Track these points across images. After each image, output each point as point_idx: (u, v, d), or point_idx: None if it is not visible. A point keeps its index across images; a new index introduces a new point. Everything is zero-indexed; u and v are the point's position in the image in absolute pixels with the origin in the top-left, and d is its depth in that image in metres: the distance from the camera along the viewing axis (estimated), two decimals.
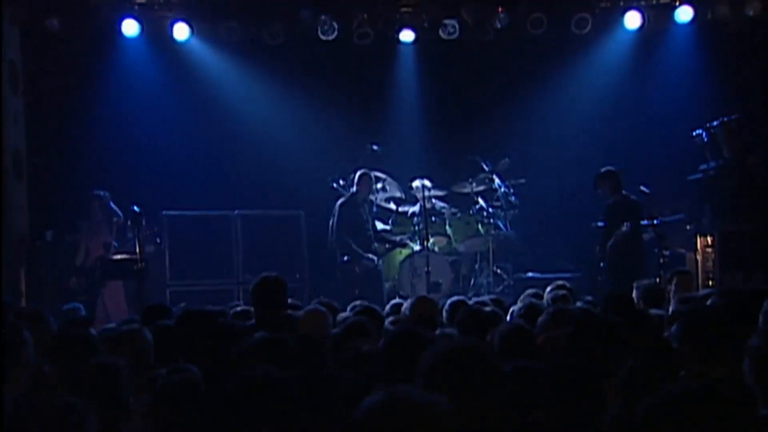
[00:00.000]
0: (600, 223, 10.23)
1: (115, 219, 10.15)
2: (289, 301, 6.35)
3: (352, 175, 11.00)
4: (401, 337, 3.77)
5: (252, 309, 5.94)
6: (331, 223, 10.57)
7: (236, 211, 11.14)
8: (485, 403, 2.72)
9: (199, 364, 4.08)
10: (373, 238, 10.58)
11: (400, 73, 12.47)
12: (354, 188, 10.57)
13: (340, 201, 10.59)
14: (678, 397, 2.48)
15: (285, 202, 11.50)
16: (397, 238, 11.15)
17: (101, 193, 10.32)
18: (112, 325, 6.10)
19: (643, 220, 9.65)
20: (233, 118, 12.06)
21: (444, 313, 5.95)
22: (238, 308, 6.46)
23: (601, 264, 9.79)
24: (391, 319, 5.98)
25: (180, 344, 4.73)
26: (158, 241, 10.37)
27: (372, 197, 10.83)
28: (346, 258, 10.44)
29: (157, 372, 4.15)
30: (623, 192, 9.90)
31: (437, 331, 5.00)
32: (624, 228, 9.47)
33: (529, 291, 6.93)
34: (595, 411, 3.26)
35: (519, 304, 5.96)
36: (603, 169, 9.92)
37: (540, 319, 5.02)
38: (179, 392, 3.78)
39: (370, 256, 10.42)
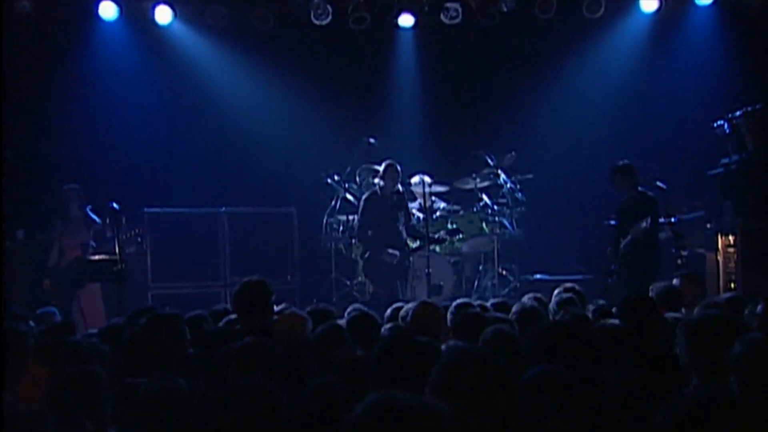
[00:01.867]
0: (612, 222, 10.20)
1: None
2: (281, 305, 6.34)
3: (348, 169, 11.13)
4: (393, 344, 3.80)
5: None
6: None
7: (223, 208, 11.14)
8: (497, 415, 2.75)
9: (176, 373, 4.11)
10: (401, 232, 10.45)
11: (399, 60, 12.45)
12: (380, 181, 10.49)
13: (364, 195, 10.63)
14: (695, 406, 2.56)
15: (275, 199, 11.49)
16: None
17: (75, 186, 10.26)
18: (94, 331, 6.10)
19: (660, 218, 9.60)
20: (219, 109, 12.04)
21: (449, 315, 5.89)
22: (231, 316, 6.37)
23: (612, 266, 9.73)
24: (389, 325, 5.92)
25: (153, 351, 4.78)
26: (139, 240, 10.32)
27: (399, 187, 10.62)
28: (367, 254, 10.44)
29: (133, 381, 4.17)
30: (639, 188, 9.86)
31: (443, 343, 4.98)
32: (644, 224, 9.36)
33: (530, 295, 6.85)
34: (609, 419, 3.30)
35: (514, 308, 5.91)
36: (621, 163, 9.84)
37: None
38: (161, 402, 3.80)
39: (391, 251, 10.31)
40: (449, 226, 11.29)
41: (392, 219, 10.40)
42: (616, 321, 5.10)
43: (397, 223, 10.43)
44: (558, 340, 3.76)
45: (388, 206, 10.42)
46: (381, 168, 10.49)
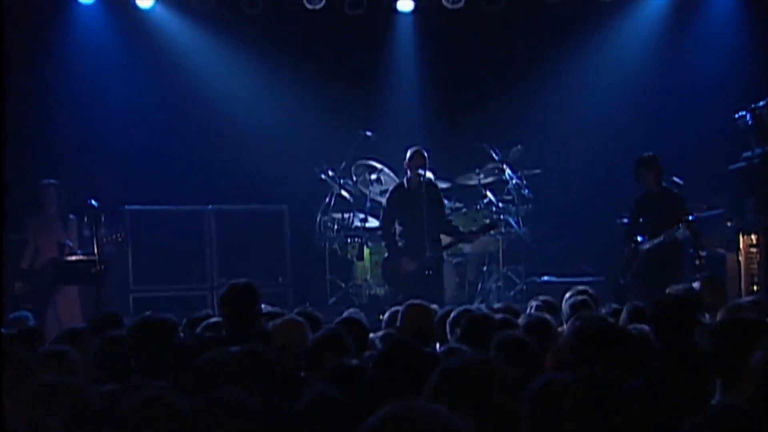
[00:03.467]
0: (626, 219, 10.10)
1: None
2: (271, 309, 6.33)
3: (343, 164, 11.05)
4: (390, 353, 3.84)
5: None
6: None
7: (209, 206, 11.10)
8: (502, 425, 2.74)
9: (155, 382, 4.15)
10: (430, 230, 9.87)
11: (398, 48, 12.41)
12: (407, 172, 10.10)
13: (390, 188, 10.40)
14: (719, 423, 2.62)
15: (265, 196, 11.45)
16: None
17: (53, 182, 10.17)
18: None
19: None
20: (205, 99, 11.98)
21: (447, 325, 5.82)
22: (211, 320, 6.31)
23: (630, 266, 9.64)
24: (381, 333, 5.94)
25: (133, 359, 4.77)
26: (119, 240, 10.22)
27: (430, 176, 10.24)
28: (386, 255, 10.24)
29: (108, 389, 4.17)
30: (664, 184, 9.77)
31: (440, 346, 5.03)
32: (680, 231, 9.26)
33: (541, 297, 6.82)
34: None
35: (521, 320, 5.80)
36: (646, 155, 9.77)
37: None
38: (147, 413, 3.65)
39: (408, 260, 9.90)
40: (484, 220, 10.98)
41: (418, 215, 9.85)
42: (645, 326, 5.12)
43: (423, 220, 9.84)
44: (589, 345, 3.83)
45: (415, 200, 9.89)
46: (407, 156, 10.07)
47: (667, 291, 6.71)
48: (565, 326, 5.81)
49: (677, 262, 9.55)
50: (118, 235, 10.11)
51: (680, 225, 9.30)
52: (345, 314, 6.41)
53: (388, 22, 12.21)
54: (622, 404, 3.41)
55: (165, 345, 4.81)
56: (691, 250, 9.40)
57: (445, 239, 10.32)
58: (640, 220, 9.85)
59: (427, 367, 3.52)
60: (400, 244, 10.05)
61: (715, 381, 3.79)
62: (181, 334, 5.65)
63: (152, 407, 3.25)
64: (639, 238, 9.73)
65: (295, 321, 5.39)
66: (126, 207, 10.68)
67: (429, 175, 10.26)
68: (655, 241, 9.49)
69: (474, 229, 10.47)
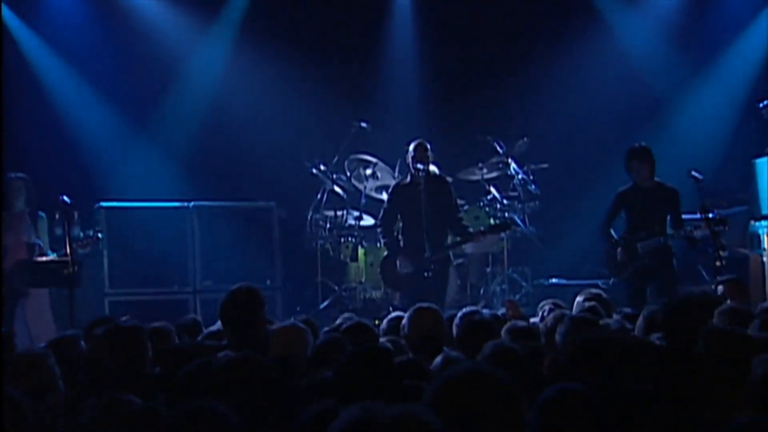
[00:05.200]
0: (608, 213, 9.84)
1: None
2: None
3: (336, 158, 11.02)
4: (358, 359, 3.94)
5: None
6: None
7: (191, 203, 11.01)
8: None
9: (136, 394, 4.13)
10: (434, 230, 9.67)
11: (395, 32, 12.47)
12: (409, 167, 9.93)
13: (392, 184, 10.33)
14: None
15: (252, 192, 11.48)
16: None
17: (23, 176, 10.05)
18: (43, 345, 5.90)
19: (696, 213, 9.40)
20: (186, 88, 11.98)
21: (454, 328, 5.89)
22: (212, 328, 6.38)
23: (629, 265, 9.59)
24: (385, 339, 5.91)
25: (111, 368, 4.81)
26: (94, 239, 10.01)
27: (436, 171, 10.13)
28: (385, 254, 10.13)
29: (87, 402, 4.10)
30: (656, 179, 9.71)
31: (440, 354, 5.00)
32: (698, 230, 9.23)
33: (548, 301, 6.85)
34: None
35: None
36: (638, 145, 9.67)
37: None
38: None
39: (404, 261, 9.76)
40: (490, 220, 10.95)
41: (417, 213, 9.68)
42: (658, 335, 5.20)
43: (422, 218, 9.64)
44: (594, 355, 3.87)
45: (415, 197, 9.70)
46: (410, 149, 9.92)
47: (683, 294, 7.04)
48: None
49: (671, 262, 9.53)
50: (93, 234, 9.95)
51: (696, 229, 9.26)
52: (340, 319, 6.43)
53: (384, 5, 12.35)
54: (633, 414, 3.39)
55: (140, 354, 4.84)
56: (710, 251, 9.28)
57: (453, 240, 10.17)
58: (622, 214, 9.72)
59: (396, 379, 3.77)
60: (401, 243, 9.98)
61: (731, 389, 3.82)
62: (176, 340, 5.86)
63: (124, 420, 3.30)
64: (614, 234, 9.65)
65: (296, 327, 5.40)
66: (101, 203, 10.62)
67: (434, 169, 10.13)
68: (652, 241, 9.41)
69: (483, 228, 10.27)
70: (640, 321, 5.94)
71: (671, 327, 5.10)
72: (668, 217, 9.46)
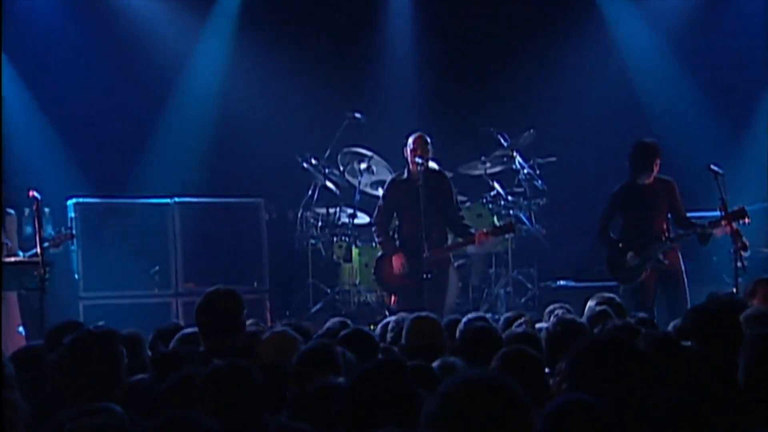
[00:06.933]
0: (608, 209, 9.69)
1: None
2: (248, 321, 6.27)
3: (329, 152, 11.05)
4: (371, 373, 3.84)
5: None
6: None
7: (173, 199, 10.94)
8: None
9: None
10: (433, 228, 9.64)
11: (391, 19, 12.53)
12: (408, 159, 9.88)
13: (388, 179, 10.31)
14: None
15: (239, 187, 11.43)
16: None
17: None
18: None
19: (715, 210, 9.26)
20: (168, 79, 11.99)
21: (458, 334, 5.92)
22: (186, 331, 6.32)
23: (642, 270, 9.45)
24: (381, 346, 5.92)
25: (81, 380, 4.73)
26: (67, 238, 9.92)
27: (435, 166, 10.08)
28: (379, 254, 10.12)
29: (60, 414, 4.01)
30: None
31: (437, 360, 5.01)
32: (718, 228, 9.12)
33: (556, 305, 6.89)
34: None
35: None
36: (652, 141, 9.52)
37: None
38: None
39: (396, 260, 9.78)
40: (495, 220, 10.90)
41: (415, 211, 9.63)
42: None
43: (420, 216, 9.60)
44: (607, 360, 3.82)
45: (412, 193, 9.65)
46: (409, 141, 9.86)
47: (713, 298, 6.72)
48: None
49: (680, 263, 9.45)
50: (66, 231, 9.85)
51: (720, 222, 9.07)
52: (329, 323, 6.43)
53: None
54: (655, 427, 3.41)
55: (115, 363, 4.78)
56: (730, 251, 9.11)
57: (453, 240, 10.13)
58: (618, 216, 9.59)
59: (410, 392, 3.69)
60: (397, 242, 9.93)
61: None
62: (148, 352, 5.85)
63: None
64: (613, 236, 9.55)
65: (287, 335, 5.41)
66: (75, 200, 10.52)
67: (433, 164, 10.06)
68: (670, 238, 9.32)
69: (486, 230, 10.09)
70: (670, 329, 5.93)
71: (705, 333, 5.04)
72: (669, 215, 9.35)
